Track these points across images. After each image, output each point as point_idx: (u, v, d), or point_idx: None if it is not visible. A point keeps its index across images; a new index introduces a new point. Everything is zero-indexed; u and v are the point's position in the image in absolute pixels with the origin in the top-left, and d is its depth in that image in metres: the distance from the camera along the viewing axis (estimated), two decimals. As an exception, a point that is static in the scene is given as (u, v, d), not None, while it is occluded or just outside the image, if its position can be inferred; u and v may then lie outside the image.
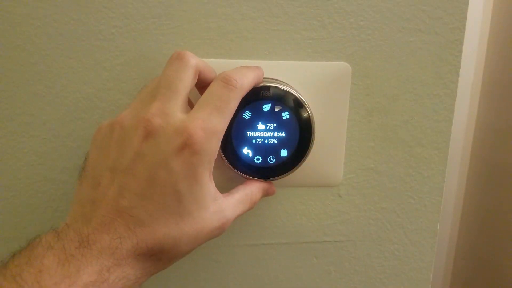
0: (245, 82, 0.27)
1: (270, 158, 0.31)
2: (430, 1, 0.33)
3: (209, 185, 0.26)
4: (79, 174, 0.27)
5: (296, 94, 0.30)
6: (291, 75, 0.33)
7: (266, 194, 0.32)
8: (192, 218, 0.25)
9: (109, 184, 0.25)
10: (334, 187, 0.37)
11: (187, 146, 0.24)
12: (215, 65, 0.30)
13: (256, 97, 0.29)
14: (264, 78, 0.32)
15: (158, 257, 0.24)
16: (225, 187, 0.29)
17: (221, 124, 0.25)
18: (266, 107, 0.30)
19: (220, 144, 0.26)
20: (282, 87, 0.30)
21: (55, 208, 0.34)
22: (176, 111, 0.25)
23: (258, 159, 0.31)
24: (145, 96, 0.27)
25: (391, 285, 0.41)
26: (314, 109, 0.31)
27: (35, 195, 0.34)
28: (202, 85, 0.30)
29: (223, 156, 0.30)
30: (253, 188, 0.30)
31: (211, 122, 0.25)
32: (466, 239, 0.94)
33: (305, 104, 0.30)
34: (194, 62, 0.27)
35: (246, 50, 0.33)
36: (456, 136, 0.88)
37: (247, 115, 0.30)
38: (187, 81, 0.26)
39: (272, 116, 0.30)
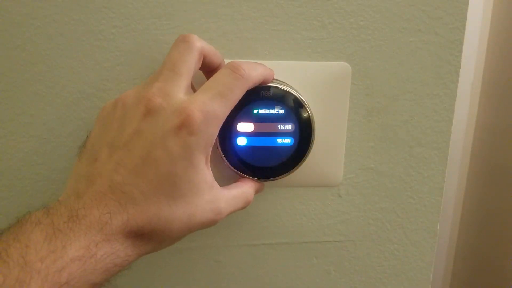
0: (253, 74, 0.27)
1: (270, 158, 0.31)
2: (430, 1, 0.33)
3: (205, 172, 0.25)
4: (78, 150, 0.27)
5: (296, 94, 0.30)
6: (291, 75, 0.33)
7: (257, 192, 0.32)
8: (185, 202, 0.24)
9: (106, 160, 0.25)
10: (334, 187, 0.37)
11: (184, 126, 0.24)
12: (215, 65, 0.30)
13: (256, 97, 0.29)
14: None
15: (148, 237, 0.24)
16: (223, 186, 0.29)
17: (221, 109, 0.25)
18: (266, 107, 0.30)
19: (218, 131, 0.26)
20: (282, 87, 0.30)
21: (55, 208, 0.34)
22: (178, 92, 0.25)
23: (258, 159, 0.31)
24: (150, 79, 0.27)
25: (391, 285, 0.41)
26: (314, 109, 0.31)
27: (35, 195, 0.34)
28: (208, 69, 0.29)
29: (223, 155, 0.30)
30: (249, 188, 0.30)
31: (212, 106, 0.25)
32: (466, 239, 0.94)
33: (305, 104, 0.30)
34: (199, 45, 0.27)
35: (246, 50, 0.33)
36: (456, 136, 0.88)
37: (247, 115, 0.30)
38: (190, 63, 0.26)
39: (272, 116, 0.30)
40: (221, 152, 0.30)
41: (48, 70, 0.31)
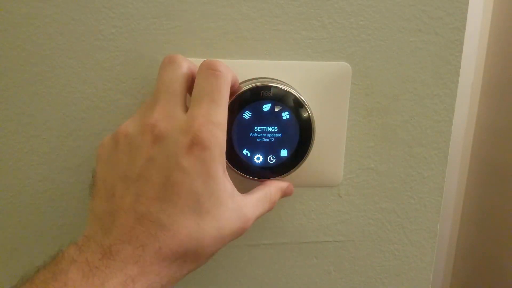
0: (223, 66, 0.27)
1: (270, 158, 0.31)
2: (430, 1, 0.33)
3: (225, 181, 0.25)
4: (89, 192, 0.27)
5: (296, 94, 0.30)
6: (291, 75, 0.33)
7: (285, 194, 0.32)
8: (211, 217, 0.24)
9: (124, 193, 0.24)
10: (334, 187, 0.37)
11: (194, 144, 0.24)
12: (215, 65, 0.30)
13: (256, 97, 0.29)
14: (264, 78, 0.32)
15: (183, 260, 0.24)
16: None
17: (221, 114, 0.25)
18: (266, 107, 0.30)
19: (225, 135, 0.26)
20: (282, 87, 0.30)
21: (55, 208, 0.34)
22: (178, 112, 0.25)
23: (258, 159, 0.31)
24: (144, 106, 0.27)
25: (391, 285, 0.41)
26: (314, 109, 0.31)
27: (35, 195, 0.34)
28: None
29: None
30: (271, 188, 0.30)
31: (212, 116, 0.25)
32: (466, 239, 0.94)
33: (305, 104, 0.30)
34: (186, 64, 0.27)
35: (246, 50, 0.33)
36: (456, 136, 0.88)
37: (247, 115, 0.30)
38: (183, 82, 0.26)
39: (272, 116, 0.30)
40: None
41: (48, 70, 0.31)
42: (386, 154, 0.37)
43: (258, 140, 0.30)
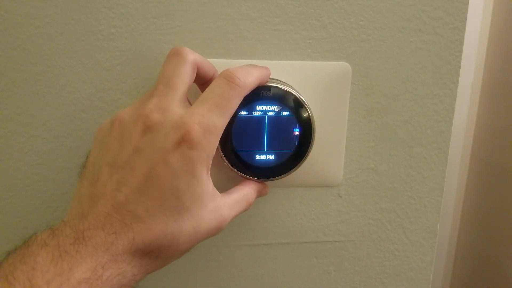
0: (249, 81, 0.27)
1: (270, 158, 0.31)
2: (430, 1, 0.33)
3: (207, 183, 0.25)
4: (79, 172, 0.27)
5: (296, 94, 0.30)
6: (291, 75, 0.33)
7: (260, 195, 0.32)
8: (190, 215, 0.24)
9: (108, 179, 0.24)
10: (334, 187, 0.37)
11: (184, 141, 0.24)
12: (215, 65, 0.30)
13: (256, 97, 0.29)
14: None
15: (156, 254, 0.24)
16: (224, 187, 0.29)
17: (220, 121, 0.25)
18: (266, 107, 0.30)
19: (218, 141, 0.26)
20: (282, 87, 0.30)
21: (55, 208, 0.34)
22: (175, 106, 0.25)
23: (258, 159, 0.31)
24: (145, 96, 0.27)
25: (391, 285, 0.41)
26: (314, 109, 0.31)
27: (35, 195, 0.34)
28: (201, 81, 0.29)
29: (223, 155, 0.30)
30: (249, 189, 0.30)
31: (210, 119, 0.25)
32: (466, 239, 0.94)
33: (305, 104, 0.30)
34: (192, 57, 0.27)
35: (246, 50, 0.33)
36: (456, 136, 0.88)
37: (247, 115, 0.30)
38: (185, 77, 0.26)
39: (272, 116, 0.30)
40: (222, 153, 0.30)
41: (48, 70, 0.31)
42: (386, 154, 0.37)
43: (258, 140, 0.30)
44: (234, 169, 0.31)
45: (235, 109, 0.26)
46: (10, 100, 0.32)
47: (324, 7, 0.32)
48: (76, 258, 0.21)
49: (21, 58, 0.31)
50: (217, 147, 0.30)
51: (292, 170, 0.31)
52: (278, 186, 0.36)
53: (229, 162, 0.30)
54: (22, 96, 0.32)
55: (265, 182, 0.32)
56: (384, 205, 0.38)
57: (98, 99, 0.32)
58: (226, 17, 0.32)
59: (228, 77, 0.26)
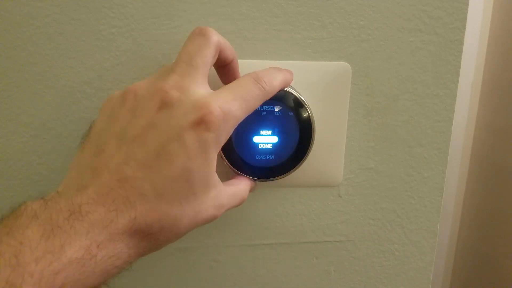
0: (274, 85, 0.27)
1: (270, 158, 0.31)
2: (430, 1, 0.33)
3: (214, 170, 0.25)
4: (81, 141, 0.26)
5: (296, 94, 0.30)
6: (291, 75, 0.33)
7: (251, 191, 0.32)
8: (195, 199, 0.24)
9: (115, 152, 0.23)
10: (334, 187, 0.37)
11: (204, 121, 0.23)
12: (215, 65, 0.30)
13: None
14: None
15: (156, 237, 0.23)
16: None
17: (240, 112, 0.25)
18: (266, 107, 0.30)
19: (233, 130, 0.25)
20: (282, 87, 0.30)
21: (55, 208, 0.34)
22: (196, 86, 0.24)
23: (258, 159, 0.31)
24: (163, 71, 0.26)
25: (391, 285, 0.41)
26: (314, 109, 0.31)
27: (35, 195, 0.34)
28: (221, 64, 0.29)
29: (223, 155, 0.30)
30: (245, 186, 0.30)
31: (233, 106, 0.24)
32: (466, 239, 0.94)
33: (305, 104, 0.30)
34: (216, 38, 0.26)
35: (246, 50, 0.33)
36: (456, 136, 0.88)
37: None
38: (208, 58, 0.25)
39: (272, 116, 0.30)
40: (222, 153, 0.30)
41: (48, 70, 0.31)
42: (386, 154, 0.37)
43: (258, 140, 0.30)
44: (234, 169, 0.31)
45: (255, 108, 0.26)
46: (10, 100, 0.32)
47: (324, 7, 0.32)
48: (69, 234, 0.19)
49: (21, 58, 0.31)
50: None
51: (292, 170, 0.31)
52: (278, 186, 0.36)
53: (229, 162, 0.30)
54: (22, 96, 0.32)
55: (265, 182, 0.32)
56: (384, 205, 0.38)
57: (98, 99, 0.32)
58: (226, 17, 0.32)
59: (257, 79, 0.26)
